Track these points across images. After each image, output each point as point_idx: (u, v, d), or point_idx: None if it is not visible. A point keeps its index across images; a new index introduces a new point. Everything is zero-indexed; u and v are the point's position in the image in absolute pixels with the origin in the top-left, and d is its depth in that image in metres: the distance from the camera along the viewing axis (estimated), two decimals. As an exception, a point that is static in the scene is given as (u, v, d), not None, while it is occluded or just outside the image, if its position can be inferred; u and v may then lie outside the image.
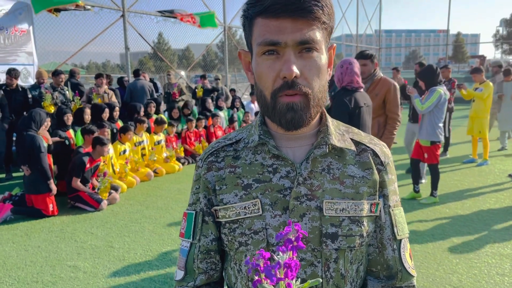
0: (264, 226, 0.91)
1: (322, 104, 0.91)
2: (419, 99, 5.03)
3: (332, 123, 0.99)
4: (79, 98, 7.04)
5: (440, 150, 5.40)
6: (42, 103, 6.38)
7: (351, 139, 0.98)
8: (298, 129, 0.89)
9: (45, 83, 6.82)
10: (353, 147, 0.97)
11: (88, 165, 5.41)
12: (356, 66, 3.36)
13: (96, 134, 5.69)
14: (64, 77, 7.04)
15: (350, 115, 3.15)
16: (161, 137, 7.67)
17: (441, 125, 5.05)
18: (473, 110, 7.48)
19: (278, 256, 0.64)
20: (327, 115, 0.98)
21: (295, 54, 0.84)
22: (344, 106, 3.19)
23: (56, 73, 6.97)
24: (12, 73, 6.42)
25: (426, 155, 5.14)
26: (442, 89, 4.94)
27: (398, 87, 4.10)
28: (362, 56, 4.09)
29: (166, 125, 7.78)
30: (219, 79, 10.75)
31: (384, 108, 4.03)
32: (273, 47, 0.84)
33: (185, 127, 8.45)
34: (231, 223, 0.95)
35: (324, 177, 0.92)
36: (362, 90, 3.36)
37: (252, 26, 0.88)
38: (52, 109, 6.39)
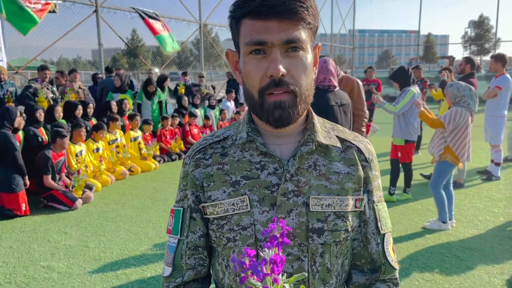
0: (252, 222, 0.92)
1: (309, 102, 0.93)
2: (388, 103, 5.12)
3: (318, 121, 1.01)
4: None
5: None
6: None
7: (337, 136, 1.01)
8: (286, 126, 0.91)
9: (3, 81, 6.54)
10: (338, 144, 0.99)
11: (52, 160, 5.28)
12: (331, 64, 3.37)
13: (65, 135, 5.51)
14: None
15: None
16: (138, 133, 7.56)
17: (415, 124, 5.16)
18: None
19: (264, 253, 0.65)
20: (313, 113, 1.00)
21: (282, 53, 0.86)
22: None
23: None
24: None
25: (400, 154, 5.25)
26: (415, 89, 5.04)
27: (361, 83, 4.15)
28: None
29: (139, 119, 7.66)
30: (203, 77, 10.64)
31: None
32: (260, 47, 0.86)
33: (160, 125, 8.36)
34: (219, 220, 0.96)
35: (311, 174, 0.94)
36: (335, 89, 3.34)
37: (239, 27, 0.89)
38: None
